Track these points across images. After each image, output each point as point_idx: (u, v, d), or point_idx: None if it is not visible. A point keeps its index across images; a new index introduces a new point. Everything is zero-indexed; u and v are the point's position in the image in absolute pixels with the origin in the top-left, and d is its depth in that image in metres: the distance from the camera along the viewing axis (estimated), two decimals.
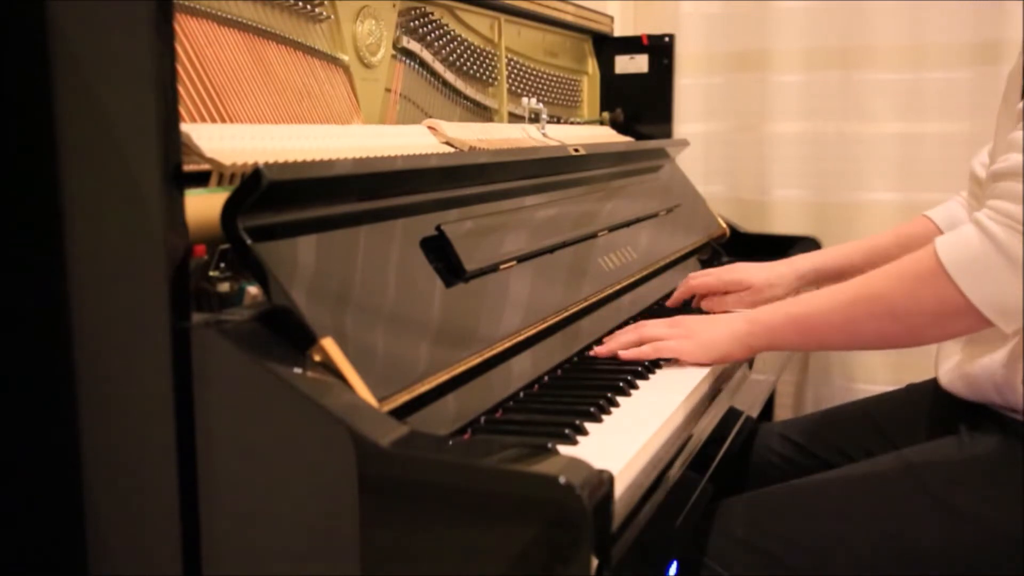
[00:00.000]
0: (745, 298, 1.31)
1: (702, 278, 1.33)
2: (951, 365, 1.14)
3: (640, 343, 1.08)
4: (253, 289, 0.77)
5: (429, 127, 1.25)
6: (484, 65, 1.49)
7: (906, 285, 0.93)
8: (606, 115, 1.92)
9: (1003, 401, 1.05)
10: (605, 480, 0.61)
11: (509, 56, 1.57)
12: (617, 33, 1.97)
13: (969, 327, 0.92)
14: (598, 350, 1.09)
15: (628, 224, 1.41)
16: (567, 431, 0.82)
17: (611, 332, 1.16)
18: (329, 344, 0.70)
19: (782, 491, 1.11)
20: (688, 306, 1.34)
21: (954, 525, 0.99)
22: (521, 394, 0.94)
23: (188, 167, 0.80)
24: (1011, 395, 1.04)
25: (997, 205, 0.89)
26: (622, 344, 1.08)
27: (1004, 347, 1.05)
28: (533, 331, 1.00)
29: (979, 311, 0.88)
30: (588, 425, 0.84)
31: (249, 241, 0.71)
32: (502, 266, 1.02)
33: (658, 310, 1.35)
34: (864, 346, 1.09)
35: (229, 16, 1.00)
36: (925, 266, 0.91)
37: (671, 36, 1.91)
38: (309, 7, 1.11)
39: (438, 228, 0.95)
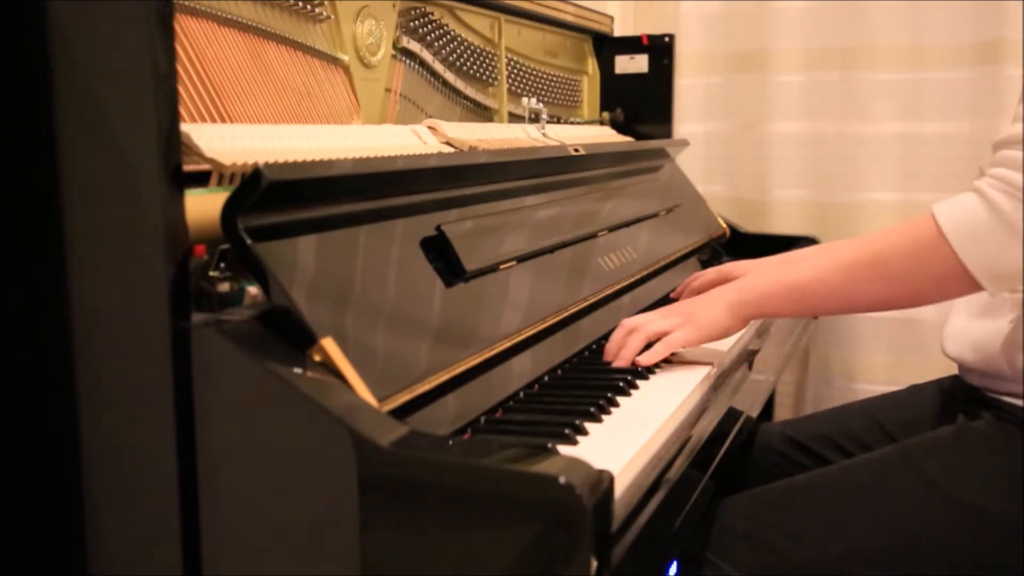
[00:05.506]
0: None
1: (702, 276, 1.33)
2: (959, 334, 1.14)
3: (648, 342, 1.06)
4: (253, 289, 0.77)
5: (429, 127, 1.25)
6: (484, 65, 1.49)
7: (907, 249, 0.94)
8: (606, 115, 1.92)
9: (1011, 368, 1.05)
10: (605, 480, 0.61)
11: (509, 56, 1.57)
12: (617, 33, 1.97)
13: (966, 290, 0.93)
14: (615, 364, 1.06)
15: (628, 224, 1.41)
16: (567, 431, 0.82)
17: (611, 332, 1.16)
18: (329, 344, 0.70)
19: (783, 485, 1.12)
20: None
21: (953, 513, 1.00)
22: (521, 394, 0.94)
23: (188, 167, 0.80)
24: (1019, 358, 1.05)
25: (998, 173, 0.90)
26: (634, 350, 1.05)
27: (1012, 313, 1.06)
28: (533, 331, 1.00)
29: (974, 276, 0.90)
30: (588, 425, 0.84)
31: (249, 241, 0.71)
32: (502, 266, 1.02)
33: None
34: (860, 309, 1.11)
35: (229, 16, 1.00)
36: (925, 231, 0.92)
37: (671, 36, 1.91)
38: (309, 7, 1.11)
39: (438, 228, 0.95)
